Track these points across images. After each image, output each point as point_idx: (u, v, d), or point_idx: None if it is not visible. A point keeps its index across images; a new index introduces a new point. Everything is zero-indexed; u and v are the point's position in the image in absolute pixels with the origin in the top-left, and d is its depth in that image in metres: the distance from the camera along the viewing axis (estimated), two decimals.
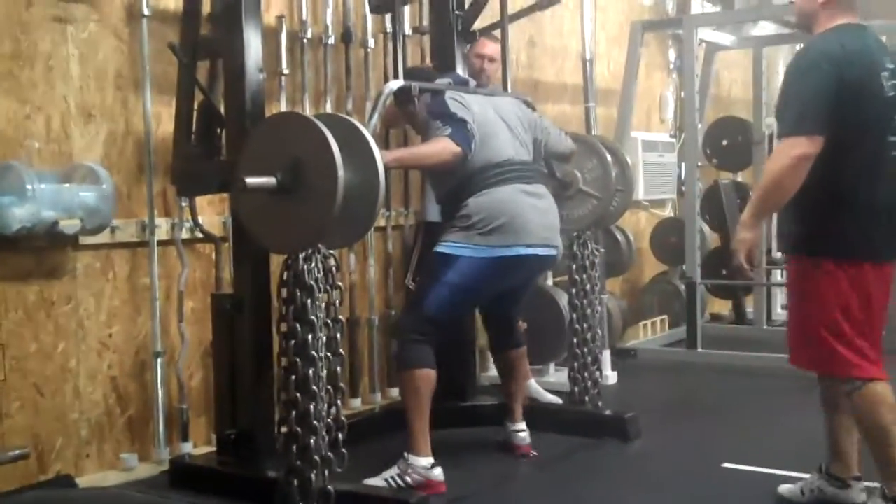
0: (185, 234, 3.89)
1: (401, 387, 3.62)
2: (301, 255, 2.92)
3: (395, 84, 3.60)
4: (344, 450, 2.98)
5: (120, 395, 3.73)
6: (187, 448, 3.85)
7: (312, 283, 2.92)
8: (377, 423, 4.19)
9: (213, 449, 3.63)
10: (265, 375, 3.34)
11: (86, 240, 3.53)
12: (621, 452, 4.04)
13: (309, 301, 2.93)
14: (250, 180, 2.86)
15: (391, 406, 4.50)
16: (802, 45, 3.08)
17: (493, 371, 4.52)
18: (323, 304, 2.97)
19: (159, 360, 3.77)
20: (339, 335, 3.01)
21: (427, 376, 3.49)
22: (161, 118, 3.81)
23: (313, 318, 2.93)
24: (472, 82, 3.96)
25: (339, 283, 3.00)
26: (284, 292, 2.98)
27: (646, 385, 5.46)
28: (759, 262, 3.10)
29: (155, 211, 3.76)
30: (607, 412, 4.33)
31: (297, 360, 2.94)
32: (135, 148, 3.76)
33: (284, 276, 2.97)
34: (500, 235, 3.52)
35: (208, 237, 3.95)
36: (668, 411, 4.81)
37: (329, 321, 2.99)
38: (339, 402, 3.01)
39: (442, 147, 3.49)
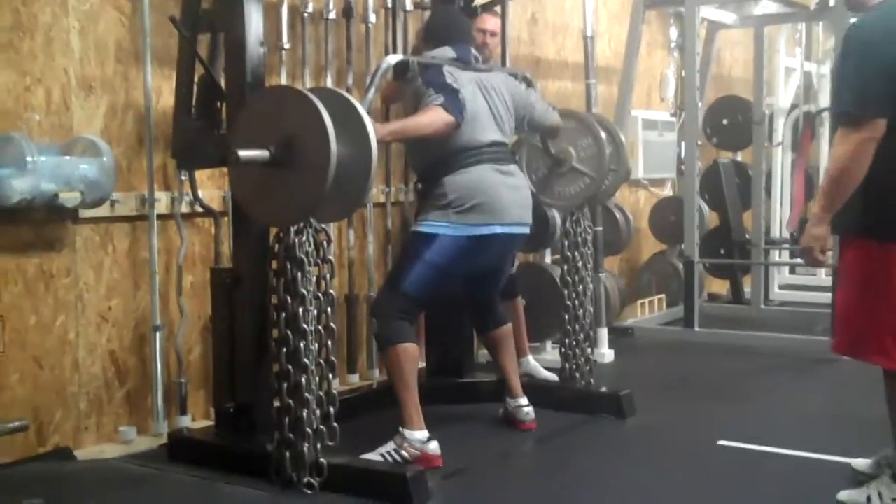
0: (184, 208, 3.89)
1: (385, 365, 3.65)
2: (293, 229, 2.93)
3: (392, 58, 3.60)
4: (336, 423, 3.00)
5: (119, 369, 3.74)
6: (186, 421, 3.86)
7: (303, 256, 2.93)
8: (374, 399, 4.21)
9: (212, 422, 3.66)
10: (264, 350, 3.34)
11: (85, 213, 3.54)
12: (617, 429, 4.06)
13: (299, 274, 2.94)
14: (243, 153, 2.87)
15: (388, 382, 4.51)
16: (857, 22, 2.95)
17: None
18: (314, 278, 2.98)
19: (158, 334, 3.78)
20: (329, 309, 3.02)
21: (409, 350, 3.52)
22: (161, 91, 3.80)
23: (304, 291, 2.94)
24: (478, 57, 3.94)
25: (331, 258, 3.01)
26: (275, 265, 2.99)
27: (643, 363, 5.48)
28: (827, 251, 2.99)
29: (155, 185, 3.76)
30: (603, 389, 4.35)
31: (288, 332, 2.96)
32: (135, 121, 3.76)
33: (276, 249, 2.99)
34: (477, 214, 3.57)
35: (208, 211, 3.95)
36: (665, 389, 4.83)
37: (320, 295, 3.00)
38: (330, 375, 3.03)
39: (435, 116, 3.51)
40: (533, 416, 4.00)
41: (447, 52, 3.76)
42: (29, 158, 3.19)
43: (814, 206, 2.96)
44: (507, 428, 4.02)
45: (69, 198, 3.31)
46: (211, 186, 4.01)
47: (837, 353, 3.13)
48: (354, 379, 4.65)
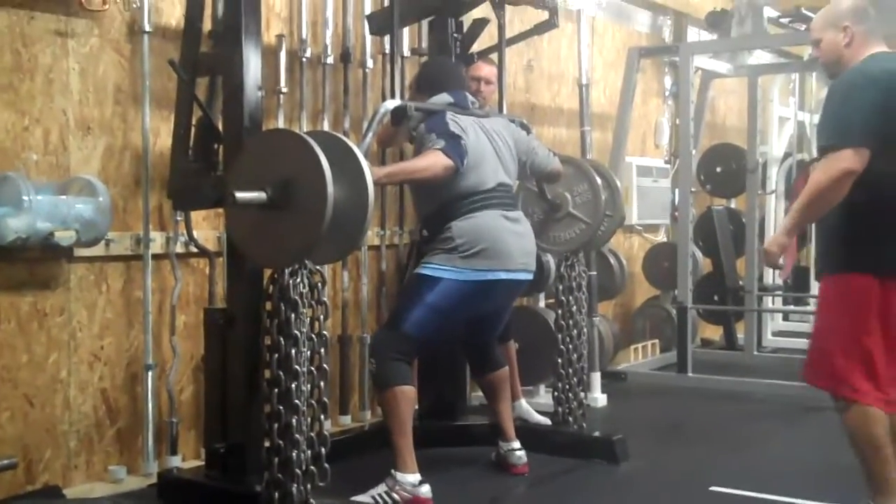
0: (179, 249, 3.91)
1: (381, 405, 3.64)
2: (287, 270, 2.95)
3: (390, 103, 3.64)
4: (326, 464, 3.00)
5: (110, 408, 3.74)
6: (176, 461, 3.85)
7: (297, 297, 2.94)
8: (366, 441, 4.20)
9: (202, 463, 3.64)
10: (256, 390, 3.34)
11: (80, 252, 3.55)
12: (610, 474, 4.05)
13: (293, 315, 2.95)
14: (240, 195, 2.88)
15: (380, 423, 4.49)
16: (843, 73, 3.11)
17: None
18: (308, 319, 2.99)
19: (150, 374, 3.78)
20: (323, 350, 3.03)
21: (406, 393, 3.53)
22: (159, 133, 3.84)
23: (297, 332, 2.95)
24: (475, 102, 3.99)
25: (325, 300, 3.02)
26: (269, 306, 3.00)
27: (635, 408, 5.47)
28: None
29: (150, 225, 3.78)
30: (596, 434, 4.34)
31: (281, 373, 2.96)
32: (132, 162, 3.79)
33: (270, 290, 3.00)
34: (483, 260, 3.58)
35: (203, 252, 3.97)
36: (658, 434, 4.82)
37: (313, 336, 3.01)
38: (322, 416, 3.03)
39: (434, 160, 3.53)
40: (525, 459, 4.00)
41: (444, 98, 3.80)
42: (25, 197, 3.21)
43: (785, 220, 3.18)
44: (499, 471, 4.01)
45: (64, 237, 3.33)
46: (206, 227, 4.03)
47: (811, 384, 3.20)
48: (346, 420, 4.64)
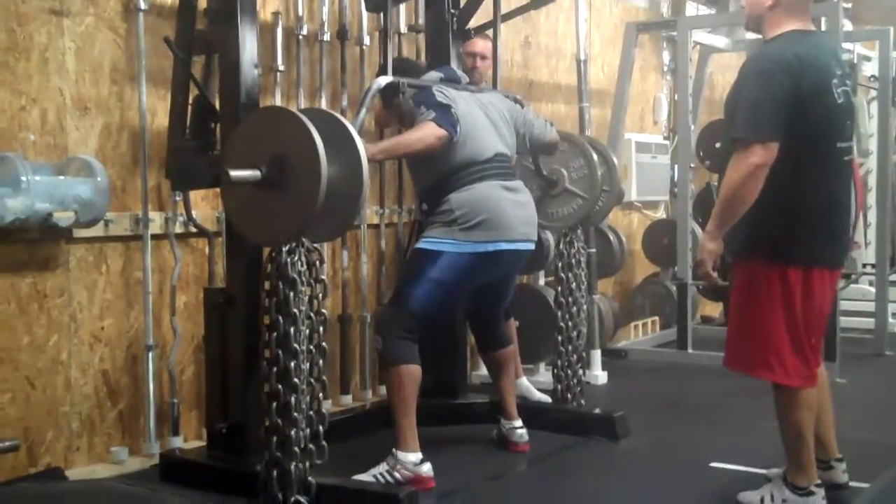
0: (178, 229, 3.90)
1: (387, 384, 3.64)
2: (284, 249, 2.94)
3: (383, 80, 3.62)
4: (324, 442, 3.00)
5: (111, 389, 3.73)
6: (178, 442, 3.85)
7: (295, 276, 2.94)
8: (367, 420, 4.21)
9: (204, 443, 3.64)
10: (256, 370, 3.34)
11: (79, 233, 3.54)
12: (610, 451, 4.06)
13: (291, 294, 2.95)
14: (234, 173, 2.88)
15: (382, 403, 4.50)
16: (755, 52, 3.14)
17: (484, 370, 4.55)
18: (306, 298, 2.98)
19: (151, 354, 3.77)
20: (321, 329, 3.02)
21: (412, 372, 3.52)
22: (156, 112, 3.82)
23: (295, 310, 2.95)
24: (465, 77, 3.98)
25: (323, 277, 3.02)
26: (267, 285, 3.00)
27: (636, 385, 5.48)
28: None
29: (149, 205, 3.76)
30: (596, 411, 4.35)
31: (280, 352, 2.96)
32: (130, 141, 3.77)
33: (268, 269, 3.00)
34: (483, 231, 3.56)
35: (202, 231, 3.96)
36: (658, 411, 4.83)
37: (312, 314, 3.00)
38: (321, 395, 3.03)
39: (426, 131, 3.50)
40: (527, 438, 4.00)
41: (433, 75, 3.80)
42: (23, 178, 3.19)
43: (708, 224, 3.13)
44: (500, 449, 4.02)
45: (63, 217, 3.32)
46: (205, 207, 4.02)
47: (729, 368, 3.29)
48: (347, 400, 4.64)
